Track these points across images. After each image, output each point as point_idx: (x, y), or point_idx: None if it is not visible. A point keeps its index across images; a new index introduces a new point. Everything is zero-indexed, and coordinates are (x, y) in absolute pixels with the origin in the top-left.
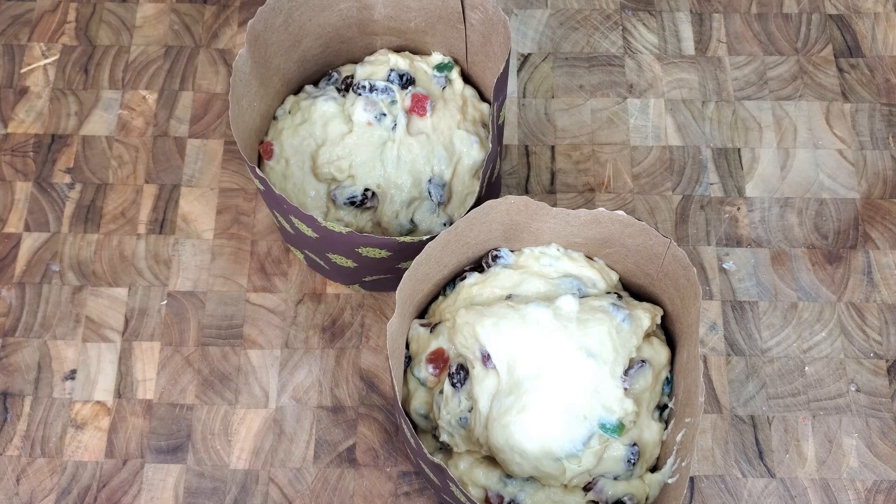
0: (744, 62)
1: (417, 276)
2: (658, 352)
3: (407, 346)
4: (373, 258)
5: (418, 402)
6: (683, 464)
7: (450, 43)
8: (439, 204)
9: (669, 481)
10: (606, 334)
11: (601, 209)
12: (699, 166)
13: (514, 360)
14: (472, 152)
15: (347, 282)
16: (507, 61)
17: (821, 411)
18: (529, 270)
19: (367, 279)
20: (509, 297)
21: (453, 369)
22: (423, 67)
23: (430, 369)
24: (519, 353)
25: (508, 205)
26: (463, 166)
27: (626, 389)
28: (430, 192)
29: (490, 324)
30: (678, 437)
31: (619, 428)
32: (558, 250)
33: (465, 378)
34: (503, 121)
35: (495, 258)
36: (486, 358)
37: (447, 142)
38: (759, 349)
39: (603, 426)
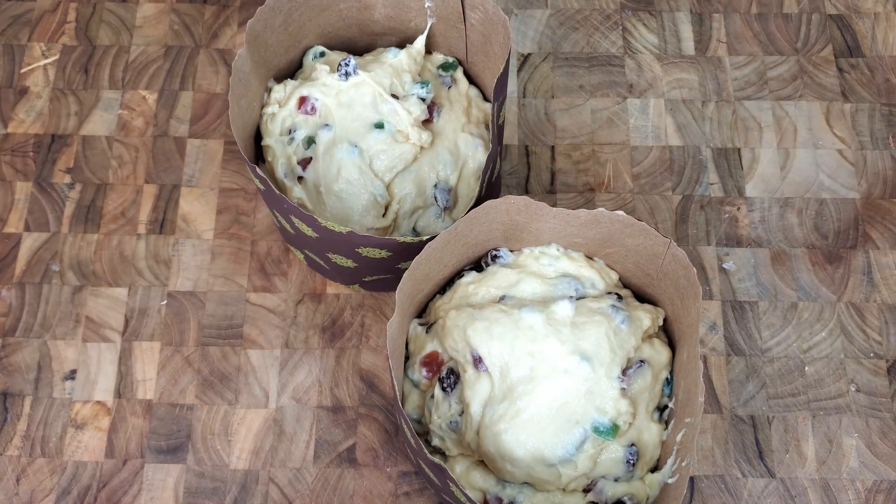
0: (744, 62)
1: (417, 276)
2: (659, 352)
3: (407, 346)
4: (373, 258)
5: (411, 406)
6: (683, 464)
7: (450, 43)
8: (444, 209)
9: (669, 481)
10: (604, 335)
11: (601, 209)
12: (699, 166)
13: (507, 365)
14: (477, 155)
15: (347, 282)
16: (508, 61)
17: (821, 411)
18: (527, 270)
19: (367, 279)
20: (503, 297)
21: (443, 374)
22: (428, 67)
23: (424, 373)
24: (512, 357)
25: (508, 205)
26: (468, 169)
27: (623, 389)
28: (435, 198)
29: (482, 328)
30: (678, 438)
31: (613, 430)
32: (558, 250)
33: (456, 382)
34: (503, 121)
35: (494, 258)
36: (477, 361)
37: (452, 146)
38: (759, 349)
39: (596, 429)
